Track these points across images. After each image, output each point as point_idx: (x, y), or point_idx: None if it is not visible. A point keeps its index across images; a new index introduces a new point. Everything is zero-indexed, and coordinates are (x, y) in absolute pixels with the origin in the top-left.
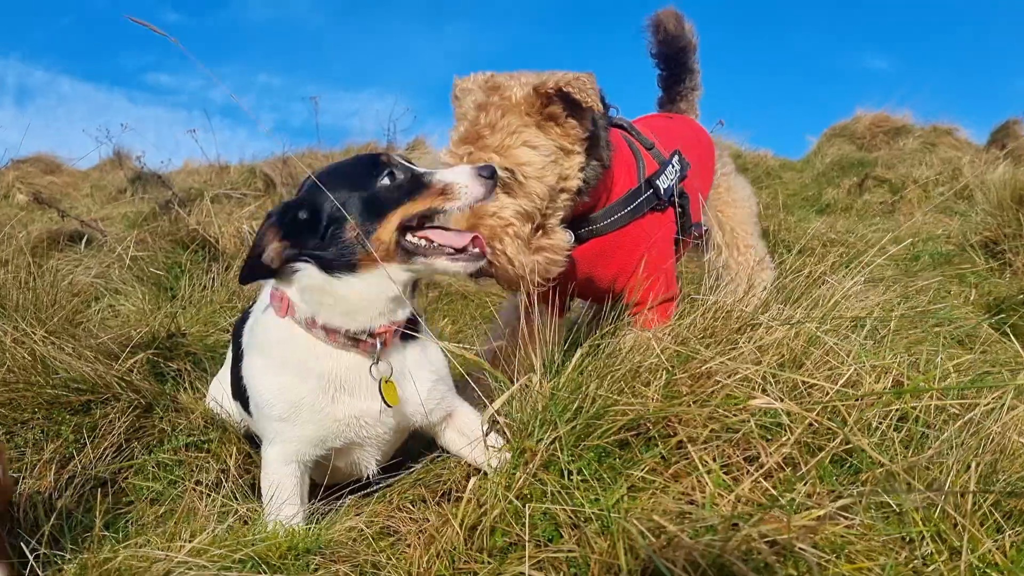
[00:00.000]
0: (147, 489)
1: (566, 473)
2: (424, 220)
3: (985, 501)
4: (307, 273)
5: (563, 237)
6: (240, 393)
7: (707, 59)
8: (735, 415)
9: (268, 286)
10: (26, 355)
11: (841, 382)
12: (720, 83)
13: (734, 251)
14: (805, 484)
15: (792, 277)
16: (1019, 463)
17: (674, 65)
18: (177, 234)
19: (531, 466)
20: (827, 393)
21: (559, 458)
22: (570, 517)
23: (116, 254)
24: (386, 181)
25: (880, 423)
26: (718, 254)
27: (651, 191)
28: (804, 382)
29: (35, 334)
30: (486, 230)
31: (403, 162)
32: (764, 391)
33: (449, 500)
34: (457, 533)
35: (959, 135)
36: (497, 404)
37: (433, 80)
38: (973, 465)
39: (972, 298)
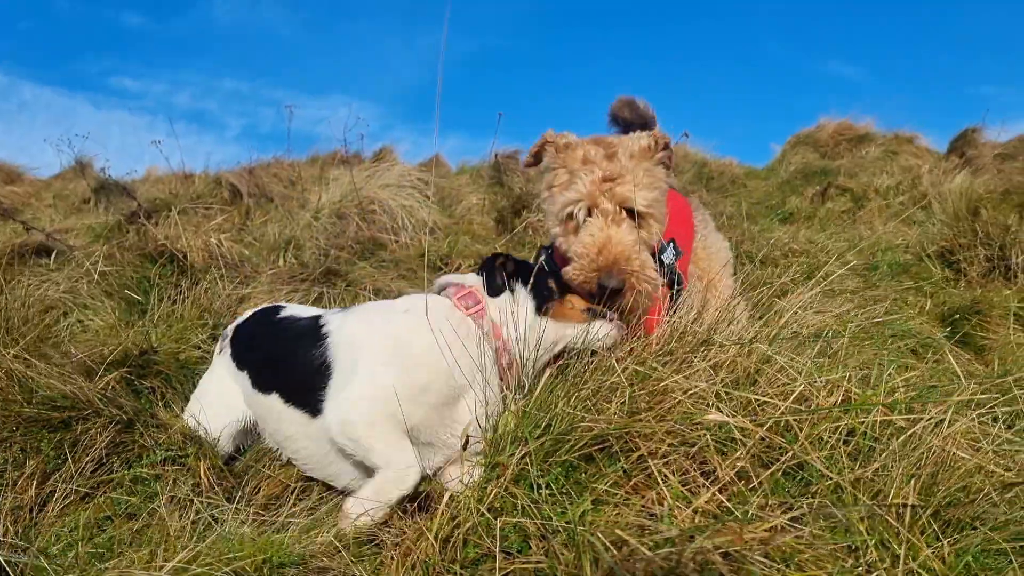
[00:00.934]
0: (125, 503)
1: (535, 487)
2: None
3: (925, 511)
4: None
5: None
6: None
7: (675, 66)
8: (692, 430)
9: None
10: (1, 375)
11: (792, 398)
12: (688, 90)
13: (712, 290)
14: (758, 496)
15: (754, 292)
16: (958, 475)
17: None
18: (145, 248)
19: (503, 480)
20: (779, 409)
21: (529, 472)
22: (539, 529)
23: (84, 269)
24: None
25: (830, 437)
26: (698, 292)
27: (660, 264)
28: (756, 399)
29: (7, 353)
30: (623, 252)
31: None
32: (718, 408)
33: (427, 511)
34: (432, 545)
35: (920, 143)
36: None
37: (406, 87)
38: (914, 479)
39: (928, 308)
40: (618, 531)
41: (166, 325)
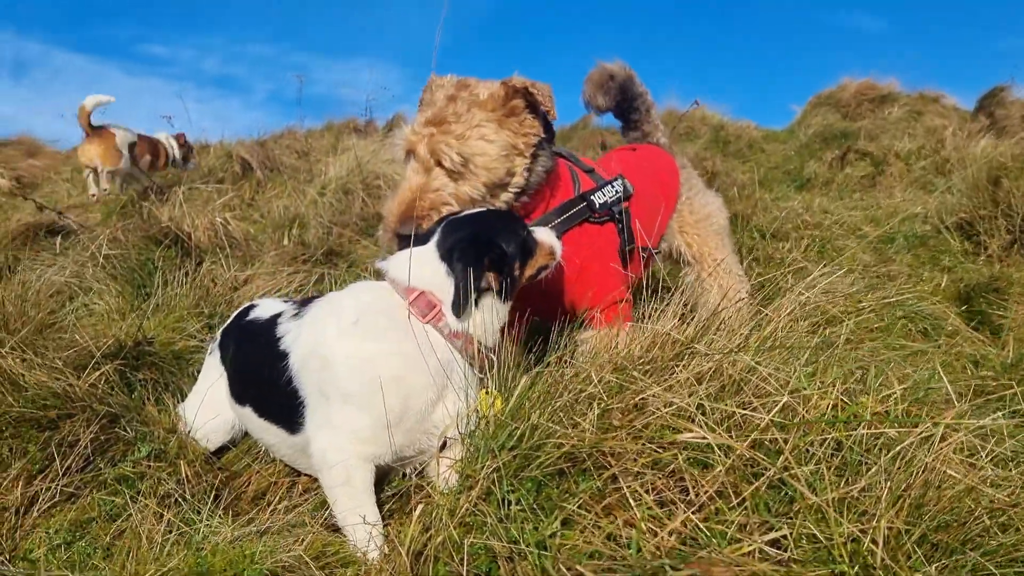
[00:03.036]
0: (110, 503)
1: (505, 503)
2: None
3: (911, 536)
4: (492, 299)
5: None
6: None
7: (693, 25)
8: (668, 447)
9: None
10: None
11: (775, 410)
12: (707, 50)
13: (702, 268)
14: (738, 515)
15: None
16: (948, 496)
17: (620, 104)
18: (149, 230)
19: (472, 494)
20: (759, 424)
21: (499, 488)
22: (506, 550)
23: (89, 253)
24: (524, 235)
25: (816, 450)
26: (692, 272)
27: (585, 204)
28: (740, 413)
29: (1, 349)
30: (426, 203)
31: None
32: (702, 421)
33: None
34: (404, 561)
35: (946, 102)
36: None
37: (423, 46)
38: (901, 500)
39: (944, 284)
40: (578, 567)
41: (163, 314)
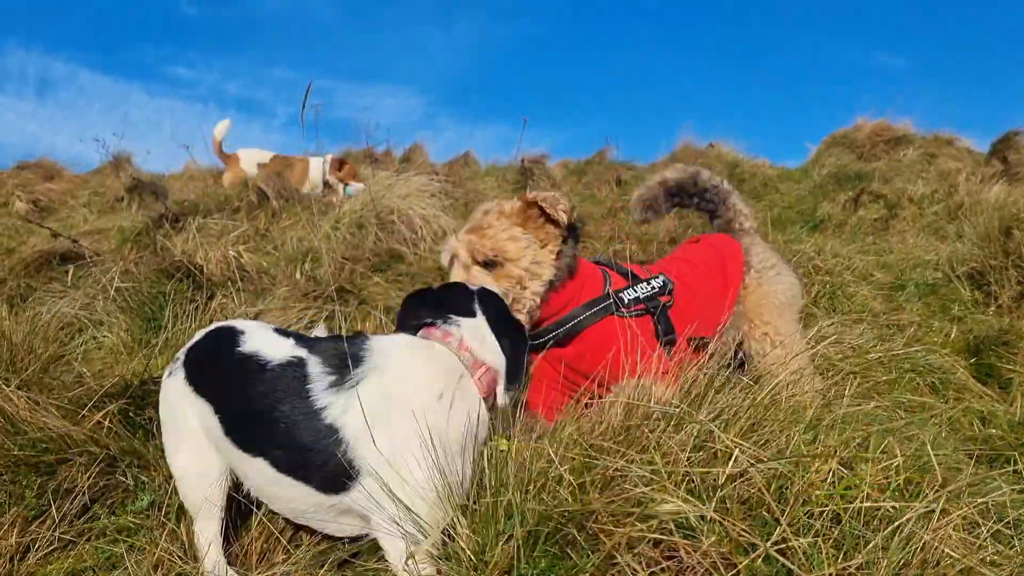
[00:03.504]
0: (108, 552)
1: None
2: None
3: None
4: None
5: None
6: None
7: (712, 61)
8: (650, 522)
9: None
10: None
11: (772, 486)
12: (726, 85)
13: (752, 340)
14: None
15: None
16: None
17: (694, 199)
18: (162, 264)
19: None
20: (744, 496)
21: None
22: None
23: (101, 285)
24: None
25: (814, 521)
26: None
27: (610, 301)
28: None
29: (7, 388)
30: None
31: None
32: (688, 493)
33: None
34: None
35: (960, 144)
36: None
37: (445, 74)
38: None
39: (953, 335)
40: None
41: (172, 351)
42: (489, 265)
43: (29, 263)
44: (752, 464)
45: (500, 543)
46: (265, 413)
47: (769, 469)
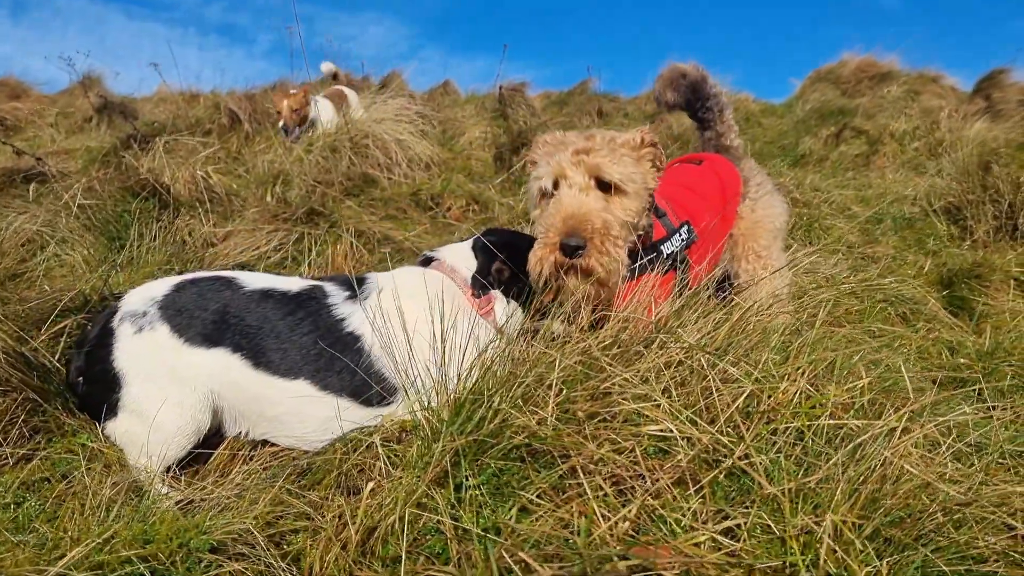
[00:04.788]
0: (64, 463)
1: (463, 487)
2: None
3: (864, 530)
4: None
5: (625, 269)
6: None
7: None
8: (629, 438)
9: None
10: None
11: (740, 400)
12: (713, 20)
13: (743, 261)
14: (695, 502)
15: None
16: (903, 491)
17: (691, 103)
18: (127, 182)
19: (428, 475)
20: (723, 409)
21: (459, 471)
22: (457, 535)
23: (63, 201)
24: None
25: (778, 438)
26: (734, 265)
27: (655, 254)
28: (704, 402)
29: None
30: (597, 222)
31: None
32: (669, 407)
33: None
34: (354, 537)
35: (945, 83)
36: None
37: (431, 4)
38: (856, 494)
39: (927, 268)
40: (521, 554)
41: (133, 268)
42: (608, 189)
43: None
44: (722, 383)
45: (443, 442)
46: (296, 335)
47: (739, 389)
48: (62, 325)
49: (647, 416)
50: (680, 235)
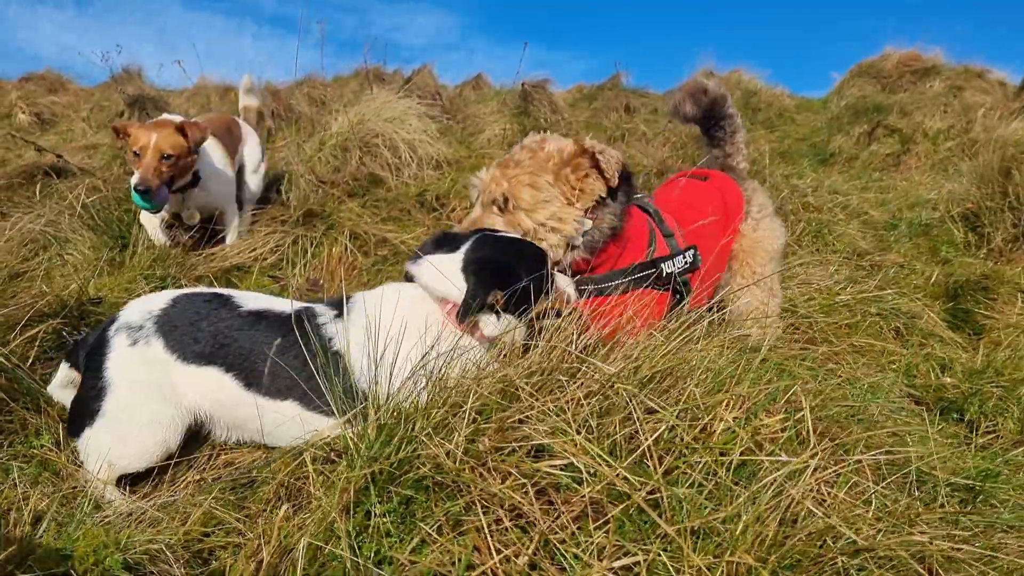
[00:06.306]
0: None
1: (372, 515)
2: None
3: (760, 573)
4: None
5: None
6: None
7: None
8: (533, 474)
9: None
10: None
11: (656, 435)
12: (752, 12)
13: (738, 276)
14: (599, 536)
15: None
16: (805, 532)
17: (706, 119)
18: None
19: (339, 500)
20: (646, 442)
21: (368, 497)
22: (355, 566)
23: (67, 202)
24: (542, 273)
25: (694, 474)
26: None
27: (654, 270)
28: (620, 434)
29: None
30: None
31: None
32: (584, 439)
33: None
34: (265, 560)
35: (991, 77)
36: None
37: None
38: (759, 535)
39: (934, 279)
40: None
41: (117, 271)
42: (502, 209)
43: (13, 177)
44: (647, 415)
45: (358, 468)
46: (287, 358)
47: (658, 421)
48: (37, 330)
49: (555, 449)
50: (684, 257)
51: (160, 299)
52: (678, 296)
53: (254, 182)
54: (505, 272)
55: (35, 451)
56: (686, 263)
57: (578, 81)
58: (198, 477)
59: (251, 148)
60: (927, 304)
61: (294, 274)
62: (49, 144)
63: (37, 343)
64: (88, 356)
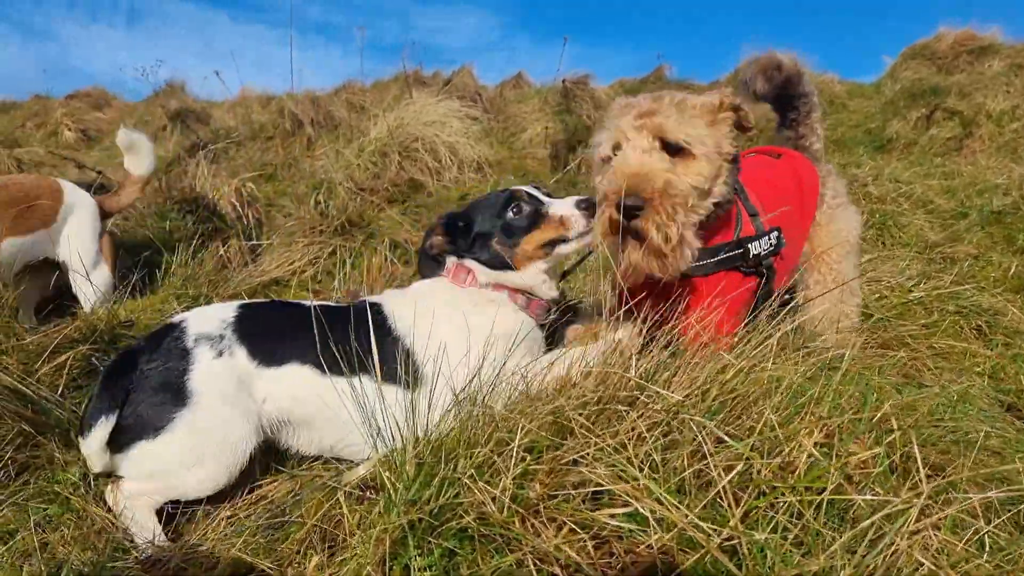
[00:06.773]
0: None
1: (411, 569)
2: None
3: None
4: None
5: (695, 245)
6: None
7: None
8: (591, 523)
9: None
10: None
11: (733, 474)
12: None
13: (815, 272)
14: None
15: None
16: None
17: (780, 97)
18: (167, 197)
19: (380, 549)
20: (717, 480)
21: (407, 548)
22: None
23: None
24: (510, 214)
25: (774, 513)
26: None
27: (741, 250)
28: (689, 470)
29: None
30: (657, 183)
31: (531, 196)
32: (646, 478)
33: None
34: None
35: None
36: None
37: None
38: None
39: (1012, 271)
40: None
41: (149, 292)
42: (675, 151)
43: None
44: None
45: (395, 514)
46: (363, 342)
47: (735, 455)
48: (66, 357)
49: (615, 492)
50: (769, 239)
51: (227, 309)
52: (764, 285)
53: (89, 289)
54: (451, 221)
55: (59, 488)
56: (771, 245)
57: (619, 76)
58: (229, 514)
59: (77, 229)
60: (1008, 299)
61: (333, 287)
62: (93, 161)
63: (66, 371)
64: (159, 364)
